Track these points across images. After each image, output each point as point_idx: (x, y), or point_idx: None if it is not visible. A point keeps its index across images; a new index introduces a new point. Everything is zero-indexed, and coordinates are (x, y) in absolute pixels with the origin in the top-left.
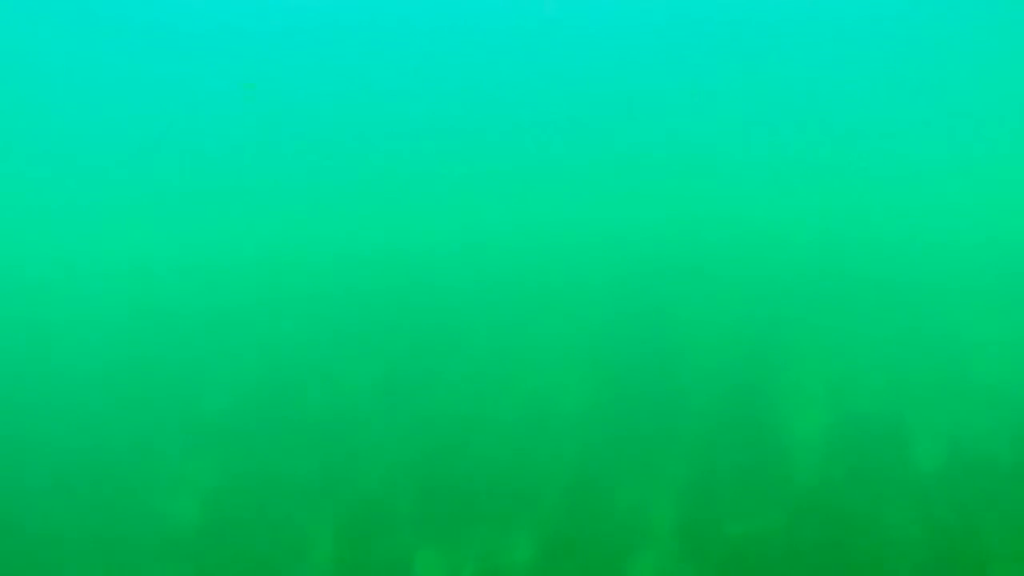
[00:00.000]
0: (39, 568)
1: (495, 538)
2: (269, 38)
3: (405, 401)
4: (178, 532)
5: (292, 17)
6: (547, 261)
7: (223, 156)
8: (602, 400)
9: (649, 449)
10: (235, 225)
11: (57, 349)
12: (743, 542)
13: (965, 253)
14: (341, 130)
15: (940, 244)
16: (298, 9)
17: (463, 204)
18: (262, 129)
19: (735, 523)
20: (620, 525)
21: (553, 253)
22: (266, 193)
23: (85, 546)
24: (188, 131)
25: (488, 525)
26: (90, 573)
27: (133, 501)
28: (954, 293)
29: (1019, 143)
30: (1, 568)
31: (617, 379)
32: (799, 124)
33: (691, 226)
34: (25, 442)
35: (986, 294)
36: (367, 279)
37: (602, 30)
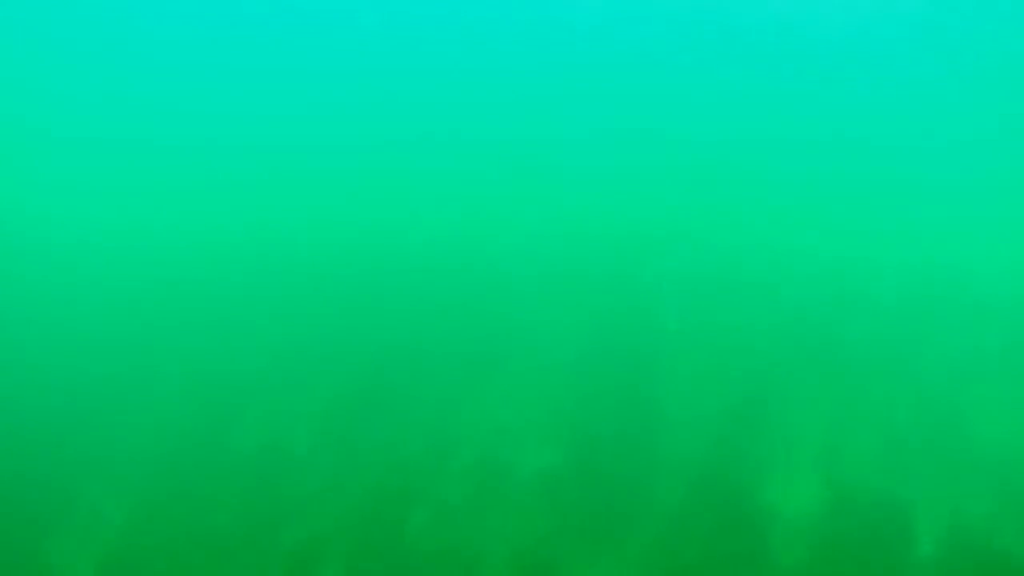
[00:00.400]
0: None
1: None
2: (273, 32)
3: (344, 445)
4: None
5: (300, 12)
6: (514, 296)
7: (192, 157)
8: (563, 464)
9: (612, 526)
10: (178, 237)
11: None
12: None
13: (967, 310)
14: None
15: (940, 299)
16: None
17: (428, 229)
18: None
19: None
20: None
21: (522, 286)
22: (217, 203)
23: None
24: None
25: None
26: None
27: (21, 556)
28: (955, 351)
29: None
30: None
31: (581, 440)
32: (796, 168)
33: (672, 272)
34: None
35: (989, 354)
36: (315, 307)
37: (619, 38)
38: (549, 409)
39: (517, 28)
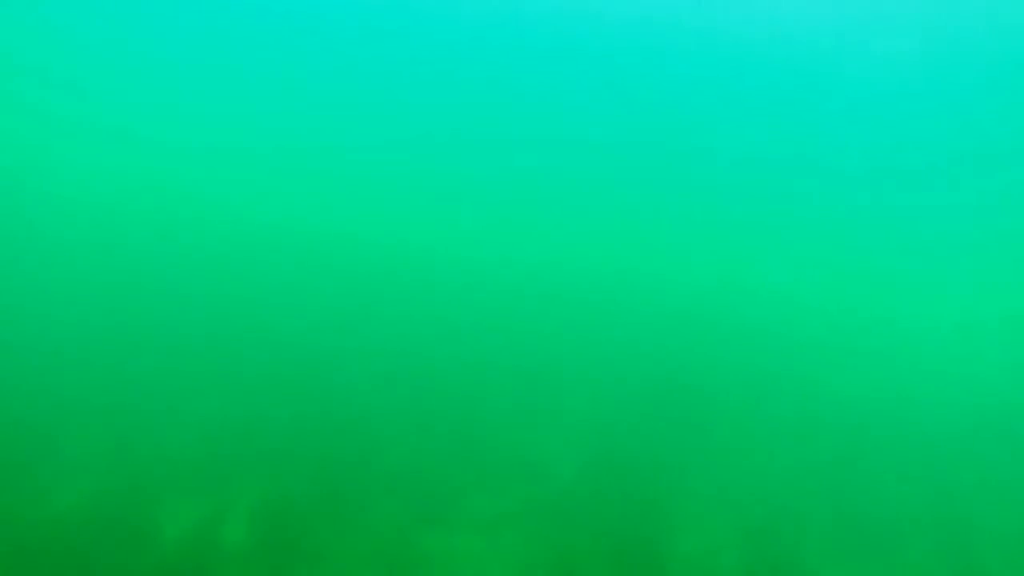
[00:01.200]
0: None
1: None
2: (280, 35)
3: (277, 564)
4: None
5: (300, 13)
6: (489, 401)
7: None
8: None
9: None
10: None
11: None
12: None
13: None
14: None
15: (991, 426)
16: (311, 10)
17: (399, 312)
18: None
19: None
20: None
21: (501, 386)
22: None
23: None
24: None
25: None
26: None
27: None
28: (1008, 513)
29: None
30: None
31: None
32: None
33: (678, 382)
34: None
35: None
36: (261, 394)
37: (647, 85)
38: (528, 549)
39: (522, 37)
